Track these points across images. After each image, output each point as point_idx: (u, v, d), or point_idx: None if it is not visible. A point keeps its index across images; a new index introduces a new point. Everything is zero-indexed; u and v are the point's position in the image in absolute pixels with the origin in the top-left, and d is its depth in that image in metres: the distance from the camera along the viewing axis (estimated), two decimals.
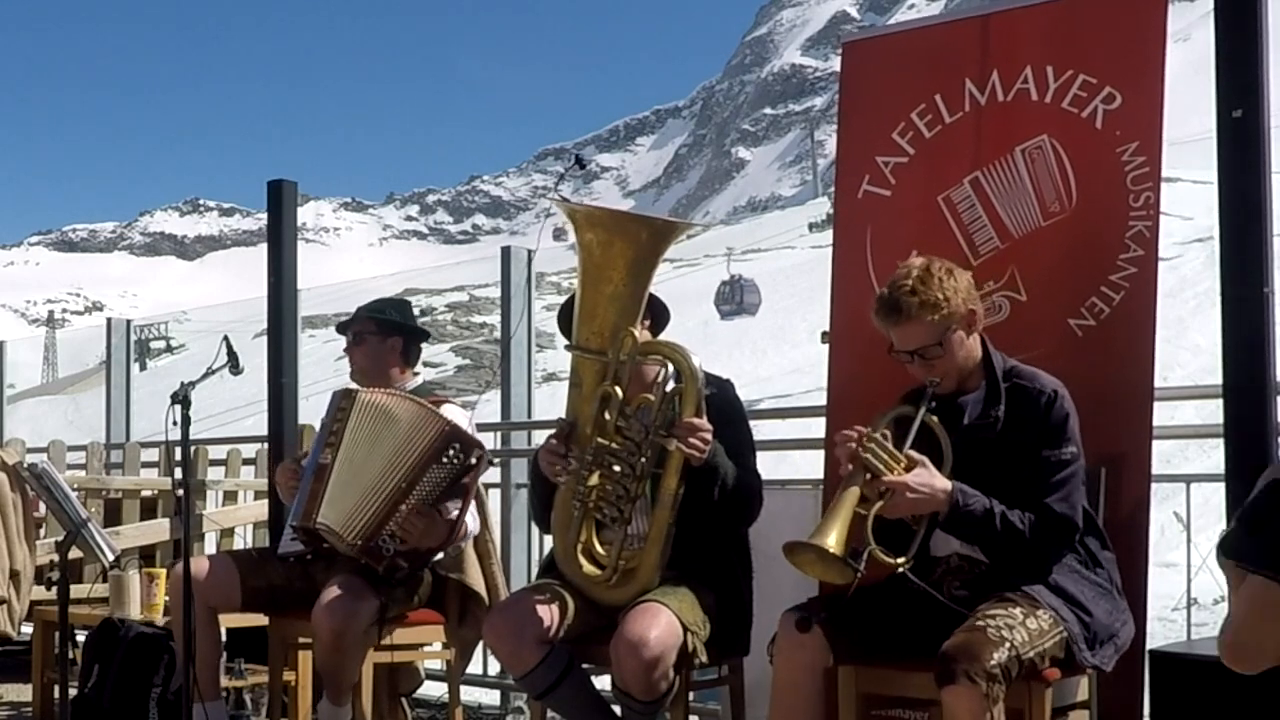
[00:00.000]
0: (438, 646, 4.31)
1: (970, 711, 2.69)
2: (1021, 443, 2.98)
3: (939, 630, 2.85)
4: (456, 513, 3.84)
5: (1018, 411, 3.01)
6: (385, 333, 4.17)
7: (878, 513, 2.88)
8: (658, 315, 3.49)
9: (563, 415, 3.32)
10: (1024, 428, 2.99)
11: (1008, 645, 2.73)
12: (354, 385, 4.05)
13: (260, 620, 4.16)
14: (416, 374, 4.28)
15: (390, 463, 3.78)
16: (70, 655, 4.49)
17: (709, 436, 3.18)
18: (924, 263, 3.07)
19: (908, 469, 2.91)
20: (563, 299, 3.52)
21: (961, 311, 3.02)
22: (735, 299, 43.52)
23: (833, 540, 2.79)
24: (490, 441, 5.62)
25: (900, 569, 2.92)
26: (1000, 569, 2.99)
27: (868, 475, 2.89)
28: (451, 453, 3.79)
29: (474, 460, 3.80)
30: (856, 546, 2.83)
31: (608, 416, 3.21)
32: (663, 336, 3.50)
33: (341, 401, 3.91)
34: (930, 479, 2.91)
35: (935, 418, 3.03)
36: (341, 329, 4.24)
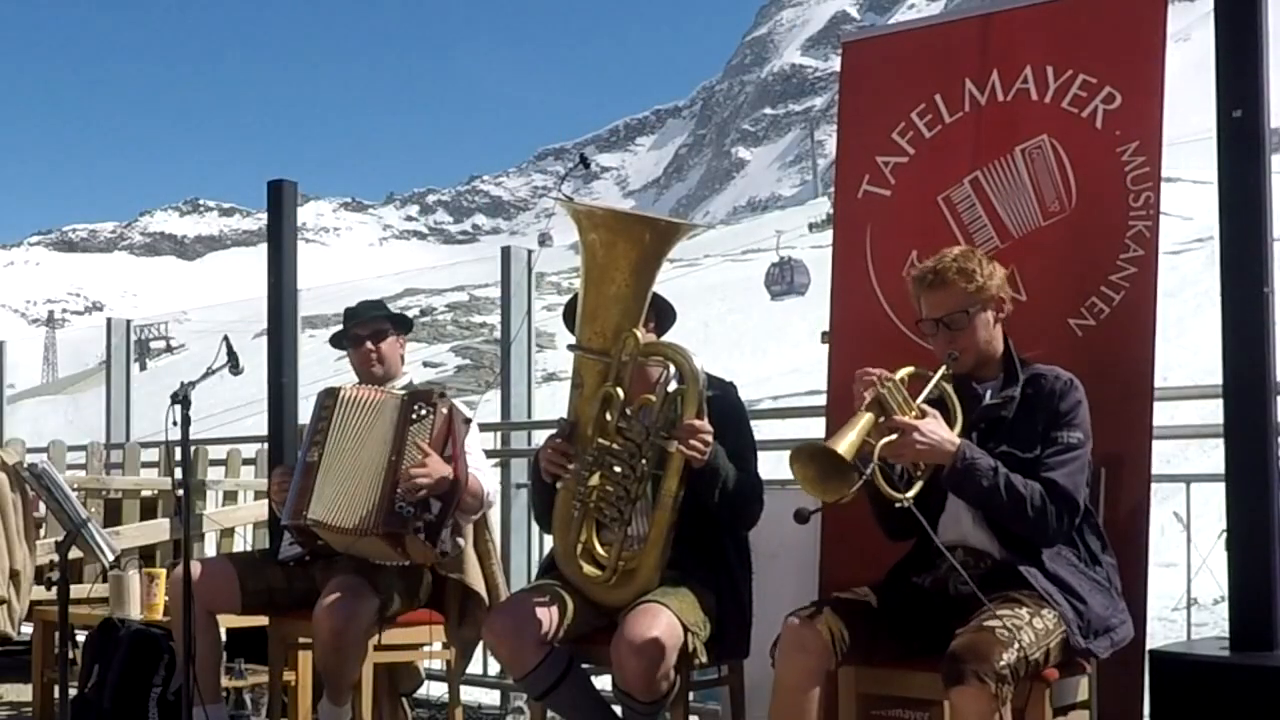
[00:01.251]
0: (438, 646, 4.31)
1: (979, 713, 2.68)
2: (1033, 426, 3.04)
3: (940, 630, 2.85)
4: (455, 468, 3.85)
5: (1032, 396, 3.08)
6: (398, 329, 4.25)
7: (882, 452, 2.89)
8: (663, 315, 3.49)
9: (563, 415, 3.32)
10: (1036, 411, 3.06)
11: (1016, 646, 2.73)
12: (337, 385, 4.08)
13: (260, 620, 4.16)
14: (405, 372, 4.33)
15: (380, 449, 3.83)
16: (70, 655, 4.49)
17: (710, 439, 3.18)
18: (967, 247, 3.24)
19: (920, 419, 2.96)
20: (563, 299, 3.53)
21: (992, 292, 3.12)
22: (786, 279, 43.93)
23: (844, 447, 2.81)
24: (490, 441, 5.62)
25: (900, 504, 2.92)
26: (1002, 538, 3.02)
27: (880, 417, 2.93)
28: (418, 408, 3.86)
29: (446, 409, 3.87)
30: (866, 456, 2.85)
31: (609, 417, 3.21)
32: (664, 337, 3.50)
33: (325, 400, 3.98)
34: (939, 430, 2.95)
35: (951, 390, 3.08)
36: (337, 339, 4.25)
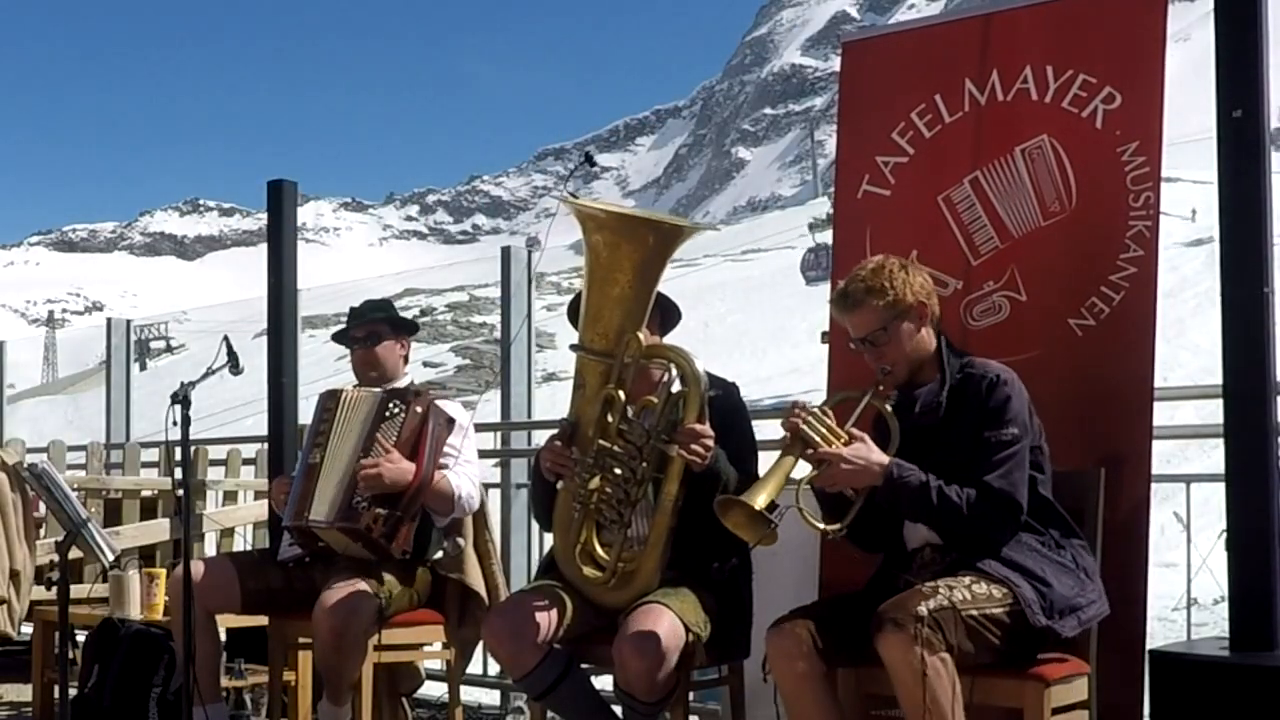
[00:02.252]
0: (438, 646, 4.31)
1: (903, 660, 2.73)
2: (964, 426, 3.05)
3: None
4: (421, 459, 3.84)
5: (961, 396, 3.09)
6: (397, 332, 4.22)
7: (813, 481, 3.01)
8: (667, 313, 3.48)
9: (563, 415, 3.32)
10: (966, 412, 3.06)
11: (941, 597, 2.79)
12: (339, 387, 4.07)
13: (260, 620, 4.16)
14: (406, 374, 4.32)
15: (355, 447, 3.85)
16: (70, 655, 4.49)
17: (711, 443, 3.17)
18: (880, 259, 3.22)
19: (847, 444, 3.01)
20: (563, 299, 3.52)
21: (910, 302, 3.12)
22: (823, 265, 44.39)
23: (761, 500, 2.92)
24: (490, 441, 5.62)
25: (830, 536, 3.04)
26: (954, 548, 3.04)
27: (807, 449, 3.01)
28: (393, 406, 3.87)
29: (422, 407, 3.85)
30: (776, 503, 2.94)
31: (610, 419, 3.20)
32: (666, 337, 3.49)
33: (328, 402, 3.98)
34: (867, 453, 3.00)
35: (887, 406, 3.11)
36: (341, 336, 4.24)
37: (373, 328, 4.17)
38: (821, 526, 3.02)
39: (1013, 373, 3.10)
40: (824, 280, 44.46)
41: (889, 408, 3.10)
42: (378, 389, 3.99)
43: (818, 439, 3.01)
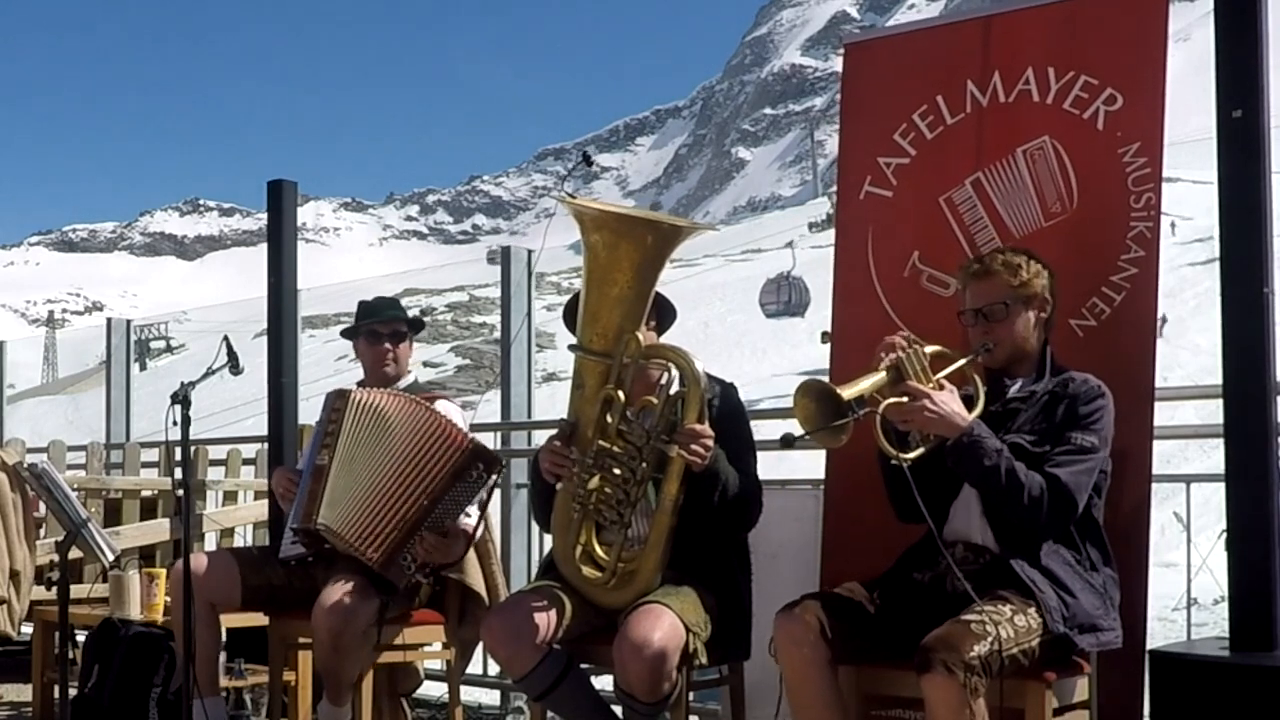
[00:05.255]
0: (438, 646, 4.31)
1: (946, 702, 2.71)
2: (1050, 422, 3.06)
3: (935, 627, 2.85)
4: (472, 525, 3.85)
5: (1057, 395, 3.10)
6: (413, 331, 4.28)
7: (889, 412, 2.94)
8: (663, 313, 3.48)
9: (563, 416, 3.32)
10: (1057, 409, 3.07)
11: (990, 639, 2.75)
12: (346, 386, 4.06)
13: (260, 620, 4.16)
14: (409, 371, 4.33)
15: (404, 468, 3.76)
16: (70, 655, 4.49)
17: (710, 444, 3.17)
18: (1022, 247, 3.32)
19: (934, 389, 2.99)
20: (563, 299, 3.51)
21: (1036, 290, 3.18)
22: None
23: (848, 393, 2.88)
24: (490, 441, 5.62)
25: (896, 461, 2.94)
26: (1000, 533, 3.03)
27: (899, 377, 2.98)
28: (475, 472, 3.78)
29: (494, 478, 3.83)
30: (865, 403, 2.90)
31: (609, 419, 3.20)
32: (663, 336, 3.49)
33: (335, 402, 3.94)
34: (952, 403, 2.99)
35: (979, 380, 3.11)
36: (351, 332, 4.24)
37: (396, 325, 4.21)
38: (892, 450, 2.94)
39: (1109, 391, 3.11)
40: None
41: (977, 379, 3.11)
42: (467, 436, 3.83)
43: (911, 373, 3.00)
